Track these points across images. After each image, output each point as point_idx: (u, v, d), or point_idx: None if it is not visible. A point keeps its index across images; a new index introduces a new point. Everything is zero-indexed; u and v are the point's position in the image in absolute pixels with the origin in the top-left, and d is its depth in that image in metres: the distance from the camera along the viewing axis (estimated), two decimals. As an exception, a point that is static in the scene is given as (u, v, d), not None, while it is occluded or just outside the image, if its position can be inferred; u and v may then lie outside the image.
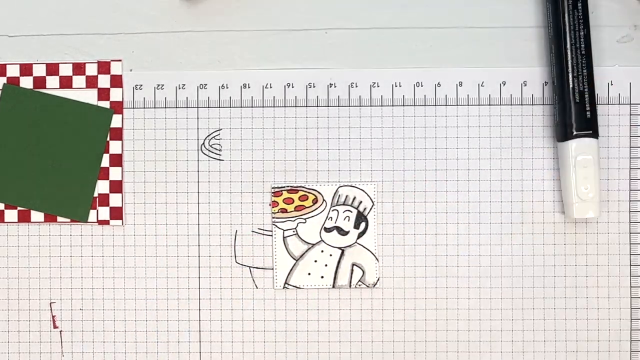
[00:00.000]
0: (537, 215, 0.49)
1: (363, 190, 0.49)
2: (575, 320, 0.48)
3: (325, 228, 0.49)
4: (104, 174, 0.49)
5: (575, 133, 0.47)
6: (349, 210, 0.49)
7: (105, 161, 0.49)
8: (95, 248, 0.49)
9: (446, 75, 0.49)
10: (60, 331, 0.49)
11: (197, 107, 0.49)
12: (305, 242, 0.49)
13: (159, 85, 0.49)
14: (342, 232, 0.49)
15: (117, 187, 0.49)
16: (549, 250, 0.49)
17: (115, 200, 0.49)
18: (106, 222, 0.49)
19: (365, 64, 0.49)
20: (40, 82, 0.49)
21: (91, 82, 0.49)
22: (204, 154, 0.49)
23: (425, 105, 0.49)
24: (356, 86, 0.49)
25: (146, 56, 0.49)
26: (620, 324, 0.48)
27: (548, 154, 0.49)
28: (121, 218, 0.49)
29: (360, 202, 0.49)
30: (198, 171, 0.49)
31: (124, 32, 0.49)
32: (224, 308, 0.49)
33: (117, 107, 0.49)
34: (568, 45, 0.47)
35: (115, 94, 0.49)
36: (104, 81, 0.49)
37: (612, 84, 0.49)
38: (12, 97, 0.49)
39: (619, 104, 0.49)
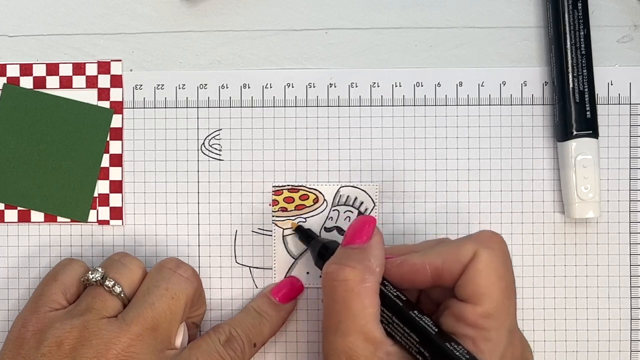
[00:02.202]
0: (537, 215, 0.49)
1: (365, 191, 0.49)
2: (575, 320, 0.48)
3: (325, 228, 0.49)
4: (104, 174, 0.49)
5: (575, 133, 0.47)
6: (349, 211, 0.49)
7: (105, 161, 0.49)
8: (95, 248, 0.49)
9: (446, 75, 0.49)
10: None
11: (197, 107, 0.49)
12: (305, 241, 0.49)
13: (159, 85, 0.49)
14: (342, 232, 0.49)
15: (117, 187, 0.49)
16: (549, 250, 0.48)
17: (115, 200, 0.49)
18: (106, 222, 0.49)
19: (365, 64, 0.49)
20: (40, 82, 0.49)
21: (91, 82, 0.49)
22: (204, 154, 0.49)
23: (425, 105, 0.49)
24: (356, 86, 0.49)
25: (146, 56, 0.49)
26: (620, 324, 0.48)
27: (548, 154, 0.49)
28: (121, 218, 0.49)
29: (362, 202, 0.49)
30: (198, 171, 0.49)
31: (124, 32, 0.49)
32: (224, 308, 0.49)
33: (117, 107, 0.49)
34: (568, 45, 0.47)
35: (115, 94, 0.49)
36: (104, 81, 0.49)
37: (612, 84, 0.49)
38: (12, 97, 0.49)
39: (619, 104, 0.49)
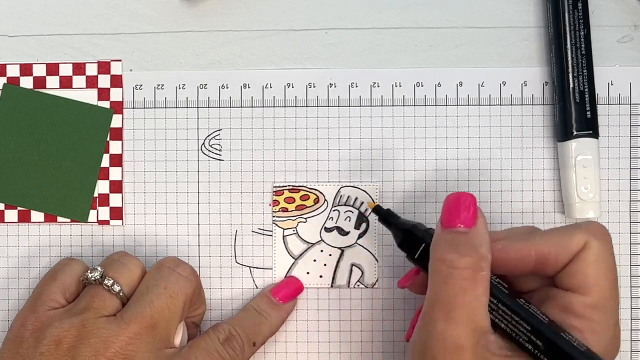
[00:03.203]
0: (537, 215, 0.48)
1: (365, 191, 0.49)
2: (575, 320, 0.48)
3: (325, 228, 0.49)
4: (104, 174, 0.49)
5: (575, 133, 0.47)
6: (350, 211, 0.49)
7: (105, 161, 0.49)
8: (95, 248, 0.49)
9: (446, 75, 0.49)
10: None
11: (197, 107, 0.49)
12: (305, 241, 0.49)
13: (159, 85, 0.49)
14: (343, 232, 0.49)
15: (117, 187, 0.49)
16: (549, 250, 0.48)
17: (115, 200, 0.49)
18: (106, 222, 0.49)
19: (365, 64, 0.49)
20: (40, 82, 0.49)
21: (91, 82, 0.49)
22: (204, 154, 0.49)
23: (425, 105, 0.49)
24: (356, 86, 0.49)
25: (146, 56, 0.49)
26: (620, 324, 0.48)
27: (548, 154, 0.49)
28: (121, 218, 0.49)
29: (362, 202, 0.49)
30: (198, 171, 0.49)
31: (124, 32, 0.49)
32: (224, 308, 0.49)
33: (117, 107, 0.49)
34: (568, 45, 0.47)
35: (115, 94, 0.49)
36: (104, 81, 0.49)
37: (612, 84, 0.49)
38: (12, 97, 0.49)
39: (619, 104, 0.49)
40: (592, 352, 0.36)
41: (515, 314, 0.38)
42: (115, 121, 0.49)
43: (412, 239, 0.42)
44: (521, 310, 0.38)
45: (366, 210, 0.49)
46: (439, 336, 0.38)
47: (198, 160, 0.49)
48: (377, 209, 0.45)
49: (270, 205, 0.49)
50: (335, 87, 0.49)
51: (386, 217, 0.45)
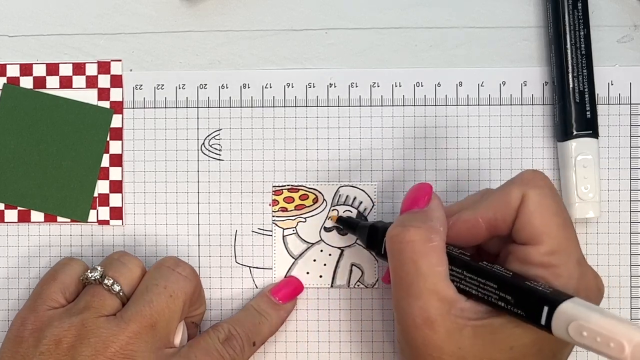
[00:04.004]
0: (537, 215, 0.48)
1: (363, 191, 0.49)
2: (575, 320, 0.48)
3: (325, 228, 0.49)
4: (104, 174, 0.49)
5: (575, 133, 0.47)
6: (349, 211, 0.49)
7: (105, 161, 0.49)
8: (95, 248, 0.49)
9: (446, 75, 0.49)
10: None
11: (197, 107, 0.49)
12: (305, 241, 0.49)
13: (159, 85, 0.49)
14: (342, 232, 0.49)
15: (117, 187, 0.49)
16: (549, 250, 0.48)
17: (115, 200, 0.49)
18: (106, 222, 0.49)
19: (365, 64, 0.49)
20: (40, 82, 0.49)
21: (91, 82, 0.49)
22: (204, 154, 0.49)
23: (425, 105, 0.49)
24: (356, 86, 0.49)
25: (146, 56, 0.49)
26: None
27: (548, 154, 0.49)
28: (121, 218, 0.49)
29: (361, 202, 0.49)
30: (198, 171, 0.49)
31: (124, 32, 0.49)
32: (224, 308, 0.49)
33: (117, 107, 0.49)
34: (568, 45, 0.47)
35: (115, 94, 0.49)
36: (104, 81, 0.49)
37: (612, 84, 0.49)
38: (12, 97, 0.49)
39: (619, 104, 0.49)
40: (558, 291, 0.37)
41: (480, 276, 0.39)
42: (115, 121, 0.49)
43: (375, 236, 0.44)
44: (484, 272, 0.39)
45: (365, 209, 0.49)
46: (407, 314, 0.39)
47: (198, 160, 0.49)
48: (340, 218, 0.48)
49: (269, 205, 0.49)
50: (335, 87, 0.49)
51: (349, 223, 0.47)
